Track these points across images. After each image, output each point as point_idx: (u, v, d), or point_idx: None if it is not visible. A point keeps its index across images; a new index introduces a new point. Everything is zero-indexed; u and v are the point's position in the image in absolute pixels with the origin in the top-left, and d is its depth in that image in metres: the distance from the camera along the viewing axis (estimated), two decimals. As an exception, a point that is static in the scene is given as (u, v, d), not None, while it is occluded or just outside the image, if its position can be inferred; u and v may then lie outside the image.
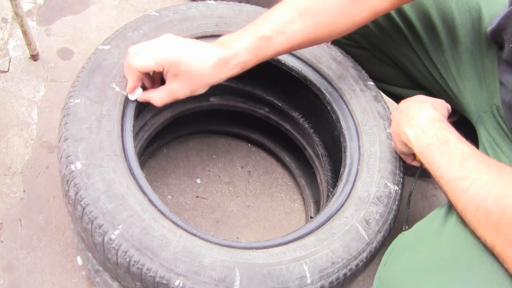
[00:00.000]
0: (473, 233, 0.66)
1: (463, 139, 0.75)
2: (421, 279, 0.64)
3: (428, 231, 0.73)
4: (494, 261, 0.62)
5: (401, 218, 0.89)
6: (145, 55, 0.76)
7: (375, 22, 0.95)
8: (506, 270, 0.61)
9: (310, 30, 0.82)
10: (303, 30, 0.81)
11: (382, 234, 0.81)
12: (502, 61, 0.83)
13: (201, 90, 0.81)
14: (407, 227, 0.86)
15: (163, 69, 0.76)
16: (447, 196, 0.73)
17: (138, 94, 0.81)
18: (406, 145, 0.83)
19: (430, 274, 0.64)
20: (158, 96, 0.80)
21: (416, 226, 0.76)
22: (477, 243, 0.65)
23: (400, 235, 0.76)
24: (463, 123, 0.93)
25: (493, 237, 0.62)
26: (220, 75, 0.79)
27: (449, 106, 0.89)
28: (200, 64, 0.76)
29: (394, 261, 0.71)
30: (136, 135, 1.08)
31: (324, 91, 0.98)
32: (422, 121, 0.79)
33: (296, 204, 1.28)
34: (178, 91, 0.79)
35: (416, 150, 0.79)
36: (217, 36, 0.97)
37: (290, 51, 0.86)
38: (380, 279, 0.71)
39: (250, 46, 0.78)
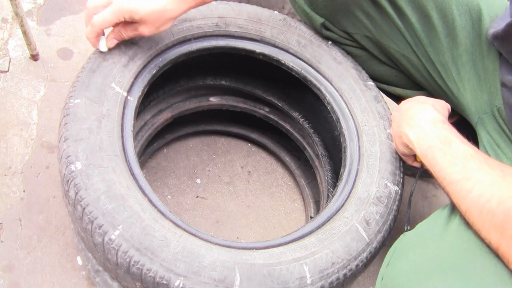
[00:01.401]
0: (476, 234, 0.66)
1: (465, 140, 0.74)
2: (424, 280, 0.64)
3: (431, 232, 0.73)
4: (498, 262, 0.62)
5: (401, 218, 0.89)
6: (104, 13, 0.78)
7: (375, 22, 0.95)
8: (510, 271, 0.61)
9: None
10: None
11: (382, 234, 0.81)
12: (505, 62, 0.83)
13: (166, 27, 0.84)
14: (408, 228, 0.86)
15: (124, 19, 0.79)
16: (450, 198, 0.72)
17: (104, 42, 0.83)
18: (407, 146, 0.83)
19: (434, 275, 0.64)
20: (125, 33, 0.83)
21: (418, 227, 0.76)
22: (481, 244, 0.65)
23: (402, 235, 0.76)
24: (463, 124, 0.93)
25: (498, 238, 0.62)
26: (181, 8, 0.82)
27: (449, 106, 0.89)
28: (160, 5, 0.79)
29: (397, 262, 0.71)
30: (136, 135, 1.08)
31: (324, 91, 0.98)
32: (423, 122, 0.79)
33: (296, 204, 1.28)
34: (144, 31, 0.82)
35: (418, 152, 0.79)
36: (217, 36, 0.97)
37: None
38: (383, 280, 0.71)
39: None
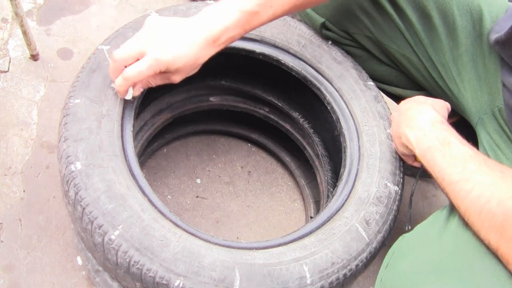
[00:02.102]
0: (476, 235, 0.66)
1: (464, 141, 0.74)
2: (423, 281, 0.64)
3: (430, 234, 0.73)
4: (497, 263, 0.62)
5: (401, 219, 0.89)
6: (138, 64, 0.75)
7: (376, 22, 0.95)
8: (510, 272, 0.61)
9: (298, 1, 0.84)
10: (290, 2, 0.83)
11: (382, 234, 0.81)
12: (506, 64, 0.83)
13: (195, 70, 0.82)
14: (409, 227, 0.86)
15: (160, 71, 0.77)
16: (449, 199, 0.72)
17: (131, 91, 0.80)
18: (407, 147, 0.83)
19: (433, 277, 0.64)
20: (154, 82, 0.80)
21: (417, 228, 0.76)
22: (480, 245, 0.65)
23: (401, 237, 0.76)
24: (462, 125, 0.93)
25: (497, 239, 0.62)
26: (211, 52, 0.80)
27: (448, 106, 0.89)
28: (192, 53, 0.77)
29: (396, 263, 0.71)
30: (136, 135, 1.08)
31: (324, 91, 0.98)
32: (422, 123, 0.79)
33: (296, 204, 1.28)
34: (175, 79, 0.81)
35: (418, 153, 0.79)
36: (217, 36, 0.97)
37: (273, 20, 0.87)
38: (382, 281, 0.71)
39: (239, 22, 0.79)
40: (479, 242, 0.65)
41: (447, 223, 0.72)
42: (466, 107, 0.92)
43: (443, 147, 0.74)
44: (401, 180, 0.89)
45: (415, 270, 0.67)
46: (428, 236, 0.73)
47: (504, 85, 0.84)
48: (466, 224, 0.68)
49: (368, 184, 0.86)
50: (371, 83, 1.00)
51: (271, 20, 0.83)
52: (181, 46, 0.76)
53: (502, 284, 0.60)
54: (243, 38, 0.99)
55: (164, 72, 0.78)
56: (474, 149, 0.73)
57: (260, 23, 0.82)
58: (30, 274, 0.97)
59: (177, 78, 0.80)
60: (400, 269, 0.69)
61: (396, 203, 0.85)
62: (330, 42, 1.03)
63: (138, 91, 0.81)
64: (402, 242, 0.75)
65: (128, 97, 0.81)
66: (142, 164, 1.18)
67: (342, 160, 0.92)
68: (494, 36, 0.82)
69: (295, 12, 0.90)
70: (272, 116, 1.24)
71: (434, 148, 0.75)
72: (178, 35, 0.77)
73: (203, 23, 0.78)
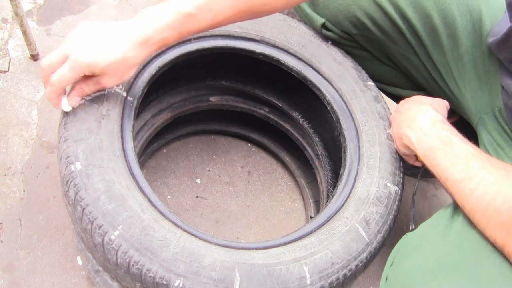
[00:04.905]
0: (481, 233, 0.66)
1: (466, 140, 0.75)
2: (430, 279, 0.64)
3: (434, 232, 0.73)
4: (503, 261, 0.62)
5: (401, 219, 0.89)
6: (62, 70, 0.72)
7: (376, 23, 0.95)
8: None
9: (242, 8, 0.77)
10: (233, 7, 0.76)
11: (382, 234, 0.81)
12: (503, 66, 0.83)
13: (130, 74, 0.77)
14: (413, 226, 0.86)
15: (84, 74, 0.73)
16: (453, 198, 0.72)
17: (66, 101, 0.76)
18: (408, 147, 0.83)
19: (439, 275, 0.64)
20: (87, 89, 0.76)
21: (421, 227, 0.76)
22: (486, 243, 0.65)
23: (404, 236, 0.76)
24: (462, 124, 0.93)
25: (504, 236, 0.62)
26: (142, 54, 0.75)
27: (447, 104, 0.89)
28: (117, 53, 0.72)
29: (402, 261, 0.71)
30: (136, 135, 1.08)
31: (324, 92, 0.98)
32: (423, 123, 0.79)
33: (296, 204, 1.28)
34: (106, 83, 0.75)
35: (420, 153, 0.79)
36: (217, 36, 0.97)
37: (217, 27, 0.81)
38: (387, 280, 0.71)
39: (172, 24, 0.73)
40: (485, 240, 0.66)
41: (452, 222, 0.72)
42: (466, 107, 0.92)
43: (445, 147, 0.74)
44: (401, 180, 0.89)
45: (421, 268, 0.67)
46: (432, 235, 0.73)
47: (502, 86, 0.84)
48: (471, 223, 0.68)
49: (368, 184, 0.86)
50: (371, 83, 1.00)
51: (212, 26, 0.78)
52: (104, 46, 0.72)
53: (509, 282, 0.61)
54: (243, 38, 0.99)
55: (92, 76, 0.74)
56: (477, 147, 0.73)
57: (198, 27, 0.76)
58: (30, 274, 0.97)
59: (108, 82, 0.75)
60: (406, 268, 0.69)
61: (396, 203, 0.85)
62: (330, 42, 1.03)
63: (75, 101, 0.76)
64: (406, 240, 0.75)
65: (65, 108, 0.76)
66: (142, 164, 1.18)
67: (342, 160, 0.92)
68: (491, 39, 0.83)
69: (242, 21, 0.83)
70: (272, 116, 1.24)
71: (436, 148, 0.75)
72: (104, 36, 0.73)
73: (134, 24, 0.74)
